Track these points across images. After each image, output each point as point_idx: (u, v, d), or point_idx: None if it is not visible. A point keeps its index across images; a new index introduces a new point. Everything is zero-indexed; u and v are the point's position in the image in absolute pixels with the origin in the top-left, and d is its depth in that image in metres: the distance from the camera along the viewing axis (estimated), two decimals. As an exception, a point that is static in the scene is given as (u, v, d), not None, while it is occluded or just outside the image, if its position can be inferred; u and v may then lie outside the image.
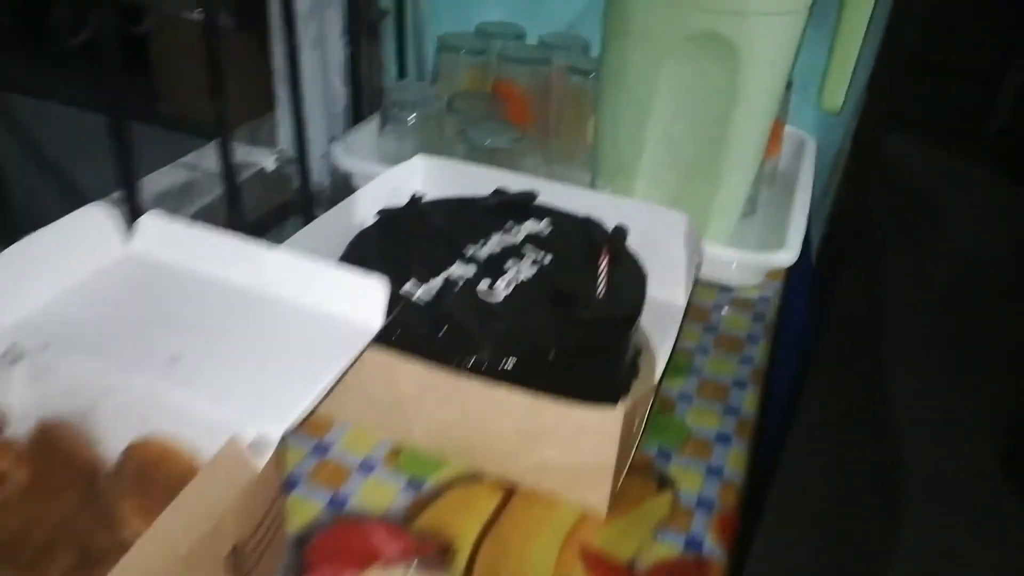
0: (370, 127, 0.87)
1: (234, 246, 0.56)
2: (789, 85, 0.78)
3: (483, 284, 0.59)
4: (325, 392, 0.49)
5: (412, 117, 0.83)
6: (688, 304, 0.65)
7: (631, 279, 0.63)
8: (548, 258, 0.63)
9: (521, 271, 0.61)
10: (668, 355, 0.59)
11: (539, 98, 0.92)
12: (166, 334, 0.52)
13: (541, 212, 0.69)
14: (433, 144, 0.86)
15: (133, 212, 0.76)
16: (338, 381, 0.49)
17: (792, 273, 0.74)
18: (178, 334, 0.52)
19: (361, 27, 1.04)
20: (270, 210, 1.11)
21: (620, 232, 0.67)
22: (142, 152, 0.77)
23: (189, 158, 1.14)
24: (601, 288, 0.58)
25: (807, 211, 0.80)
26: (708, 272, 0.73)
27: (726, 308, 0.73)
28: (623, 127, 0.73)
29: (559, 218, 0.69)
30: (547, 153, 0.95)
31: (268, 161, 1.18)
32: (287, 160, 1.18)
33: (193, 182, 1.09)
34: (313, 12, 1.07)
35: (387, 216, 0.67)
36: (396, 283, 0.58)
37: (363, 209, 0.69)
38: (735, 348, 0.69)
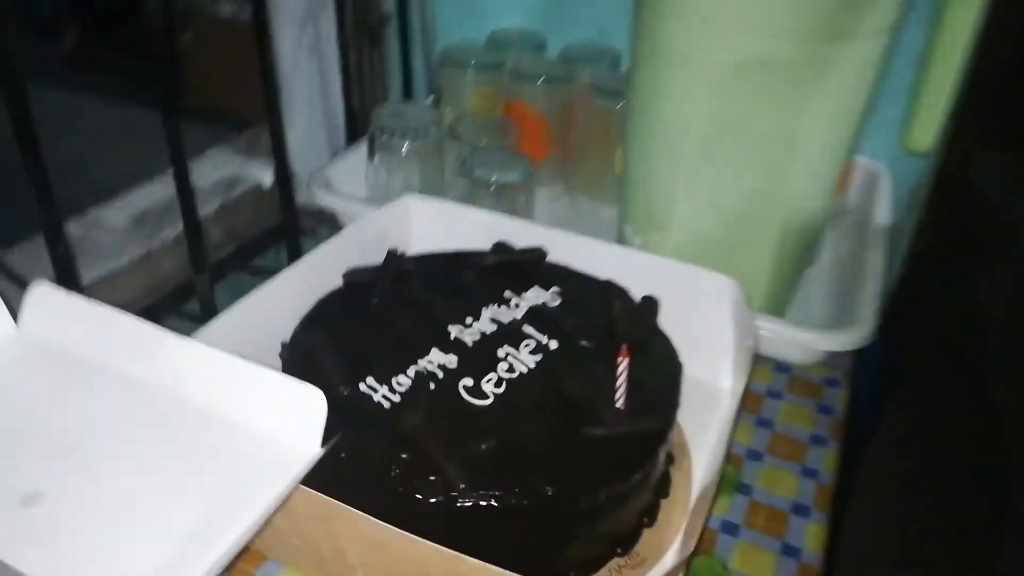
0: (358, 154, 0.74)
1: (141, 332, 0.43)
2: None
3: (466, 380, 0.45)
4: (238, 546, 0.35)
5: (406, 146, 0.69)
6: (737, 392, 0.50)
7: (661, 374, 0.48)
8: (554, 344, 0.49)
9: (518, 362, 0.47)
10: (713, 471, 0.44)
11: (559, 122, 0.77)
12: (29, 458, 0.39)
13: (550, 276, 0.55)
14: (432, 178, 0.73)
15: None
16: (259, 528, 0.36)
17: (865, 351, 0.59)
18: (46, 458, 0.39)
19: (357, 33, 0.91)
20: (263, 232, 0.98)
21: (649, 307, 0.53)
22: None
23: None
24: (620, 394, 0.44)
25: (882, 264, 0.65)
26: (763, 345, 0.58)
27: (783, 396, 0.58)
28: (656, 168, 0.59)
29: (572, 284, 0.55)
30: (570, 184, 0.81)
31: (266, 175, 1.06)
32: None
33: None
34: (309, 14, 0.93)
35: (353, 281, 0.53)
36: (352, 378, 0.45)
37: (334, 263, 0.55)
38: (795, 454, 0.54)
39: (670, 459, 0.50)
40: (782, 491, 0.51)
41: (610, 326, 0.50)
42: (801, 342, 0.57)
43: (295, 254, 0.83)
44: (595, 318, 0.51)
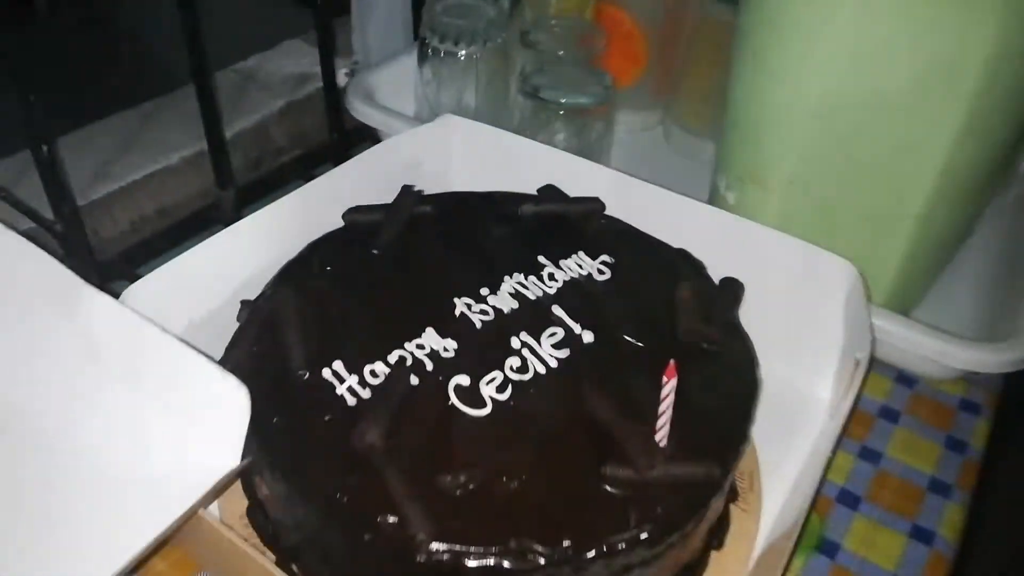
0: (412, 59, 0.62)
1: (55, 278, 0.34)
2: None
3: (461, 378, 0.34)
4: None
5: (463, 53, 0.56)
6: (849, 395, 0.38)
7: (729, 395, 0.36)
8: (588, 336, 0.37)
9: (535, 358, 0.35)
10: (789, 519, 0.32)
11: (660, 32, 0.62)
12: None
13: (603, 238, 0.42)
14: (495, 96, 0.60)
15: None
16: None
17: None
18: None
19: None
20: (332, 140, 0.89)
21: (728, 293, 0.40)
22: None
23: (252, 61, 0.94)
24: (663, 423, 0.32)
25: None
26: (881, 349, 0.44)
27: (901, 419, 0.44)
28: (766, 105, 0.44)
29: (630, 252, 0.42)
30: (667, 112, 0.66)
31: (339, 74, 0.95)
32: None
33: (245, 93, 0.89)
34: None
35: (354, 223, 0.42)
36: (316, 359, 0.35)
37: (342, 195, 0.45)
38: (907, 504, 0.40)
39: (732, 494, 0.38)
40: (880, 557, 0.38)
41: (671, 317, 0.38)
42: (936, 353, 0.42)
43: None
44: (652, 303, 0.39)
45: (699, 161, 0.61)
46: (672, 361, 0.31)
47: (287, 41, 0.97)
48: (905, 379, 0.47)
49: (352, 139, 0.71)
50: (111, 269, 0.62)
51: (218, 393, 0.29)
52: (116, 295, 0.34)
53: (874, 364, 0.47)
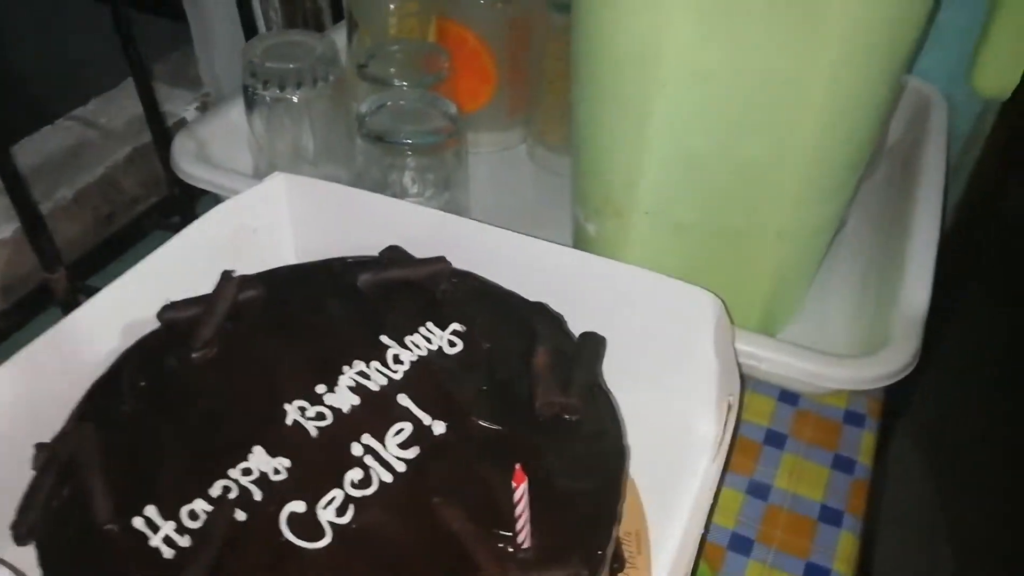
0: (239, 107, 0.56)
1: None
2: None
3: (295, 504, 0.30)
4: None
5: (294, 96, 0.52)
6: (723, 443, 0.35)
7: (595, 474, 0.33)
8: (440, 428, 0.33)
9: (379, 466, 0.32)
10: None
11: (507, 48, 0.59)
12: None
13: (452, 303, 0.39)
14: (336, 136, 0.56)
15: None
16: None
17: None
18: None
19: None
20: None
21: (590, 351, 0.37)
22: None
23: (92, 105, 0.86)
24: (523, 532, 0.29)
25: (933, 243, 0.47)
26: (758, 372, 0.42)
27: (787, 444, 0.43)
28: (610, 130, 0.41)
29: (483, 315, 0.38)
30: (528, 129, 0.63)
31: (188, 110, 0.89)
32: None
33: (86, 143, 0.81)
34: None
35: (172, 322, 0.38)
36: (125, 507, 0.30)
37: (177, 270, 0.40)
38: (803, 538, 0.39)
39: (617, 562, 0.36)
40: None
41: (529, 389, 0.35)
42: (809, 375, 0.40)
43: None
44: (509, 374, 0.36)
45: (566, 178, 0.58)
46: (518, 466, 0.28)
47: (129, 79, 0.89)
48: (788, 396, 0.45)
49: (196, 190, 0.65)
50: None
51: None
52: None
53: (756, 385, 0.46)
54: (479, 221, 0.43)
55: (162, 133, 0.65)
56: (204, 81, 0.90)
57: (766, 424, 0.44)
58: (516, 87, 0.61)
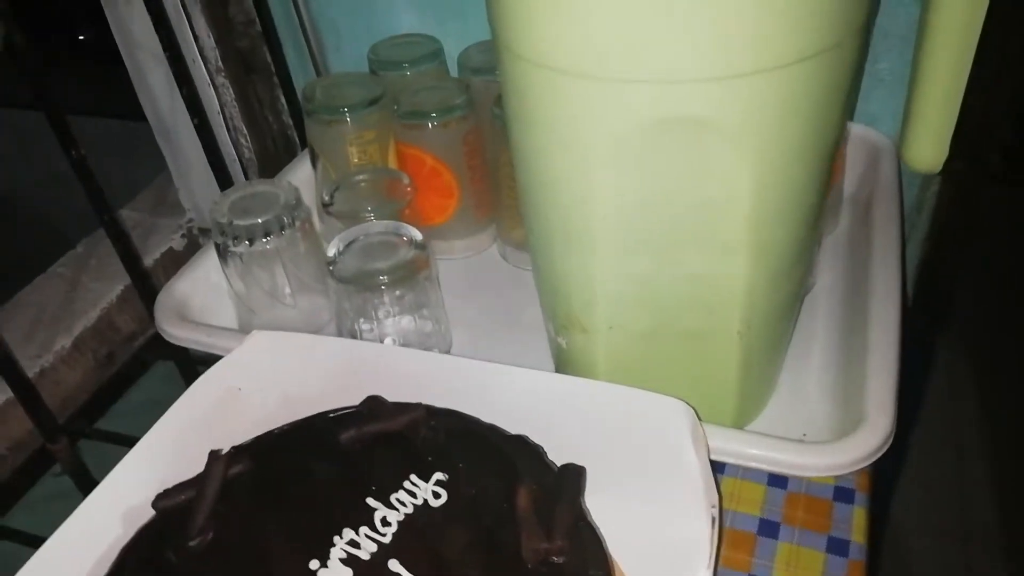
0: (213, 257, 0.58)
1: None
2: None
3: None
4: None
5: (264, 248, 0.54)
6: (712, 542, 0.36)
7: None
8: (430, 592, 0.34)
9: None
10: None
11: (464, 162, 0.61)
12: None
13: (432, 450, 0.40)
14: (311, 276, 0.57)
15: None
16: None
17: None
18: None
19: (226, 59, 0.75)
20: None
21: (571, 483, 0.38)
22: None
23: (80, 248, 0.89)
24: None
25: (897, 311, 0.48)
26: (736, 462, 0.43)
27: (781, 532, 0.44)
28: (560, 260, 0.43)
29: (464, 458, 0.40)
30: (498, 231, 0.65)
31: (175, 238, 0.91)
32: (200, 232, 0.91)
33: (79, 284, 0.84)
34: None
35: (166, 510, 0.39)
36: None
37: (171, 453, 0.41)
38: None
39: None
40: None
41: (515, 534, 0.36)
42: (787, 467, 0.41)
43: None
44: (494, 522, 0.37)
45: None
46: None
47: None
48: (777, 479, 0.46)
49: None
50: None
51: None
52: None
53: (745, 472, 0.46)
54: (454, 356, 0.44)
55: (142, 276, 0.67)
56: (186, 207, 0.93)
57: (758, 514, 0.45)
58: (479, 194, 0.62)
